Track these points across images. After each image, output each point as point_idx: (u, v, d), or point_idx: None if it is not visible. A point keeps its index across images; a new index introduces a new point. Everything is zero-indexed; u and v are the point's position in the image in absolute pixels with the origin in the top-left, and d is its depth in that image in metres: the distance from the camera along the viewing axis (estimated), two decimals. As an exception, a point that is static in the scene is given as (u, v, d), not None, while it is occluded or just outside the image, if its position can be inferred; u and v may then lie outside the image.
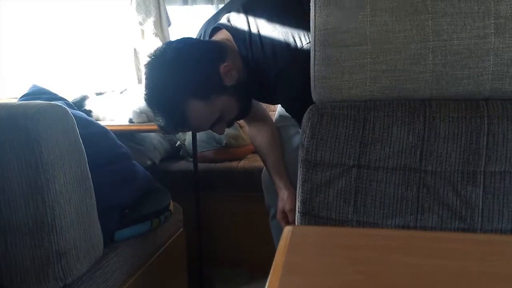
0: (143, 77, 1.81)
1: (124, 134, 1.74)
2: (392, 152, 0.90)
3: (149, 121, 1.80)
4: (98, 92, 1.95)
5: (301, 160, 0.94)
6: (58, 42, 2.39)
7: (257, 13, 1.22)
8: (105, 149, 1.25)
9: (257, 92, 1.27)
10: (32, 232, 0.95)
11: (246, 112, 1.27)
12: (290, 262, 0.41)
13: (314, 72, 0.92)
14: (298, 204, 0.96)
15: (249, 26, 1.20)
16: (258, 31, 1.19)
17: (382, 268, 0.42)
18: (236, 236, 2.20)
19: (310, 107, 0.95)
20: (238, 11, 1.24)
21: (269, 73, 1.17)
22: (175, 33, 2.49)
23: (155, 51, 1.17)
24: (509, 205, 0.90)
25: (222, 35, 1.25)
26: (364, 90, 0.92)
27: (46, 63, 2.38)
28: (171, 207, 1.46)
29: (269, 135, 1.44)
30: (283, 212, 1.35)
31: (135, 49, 2.43)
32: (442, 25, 0.87)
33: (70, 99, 1.70)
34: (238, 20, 1.22)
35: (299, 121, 1.08)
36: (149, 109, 1.19)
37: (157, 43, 2.37)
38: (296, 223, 0.97)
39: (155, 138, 2.20)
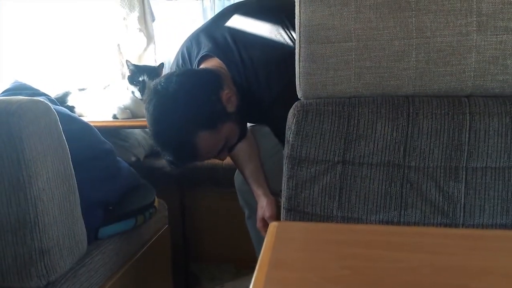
0: (127, 72, 1.80)
1: (108, 130, 1.72)
2: (376, 148, 0.91)
3: (133, 117, 1.79)
4: (81, 87, 1.92)
5: (286, 156, 0.94)
6: (40, 37, 2.35)
7: (246, 40, 1.24)
8: (88, 145, 1.23)
9: (252, 115, 1.29)
10: (14, 230, 0.93)
11: (244, 135, 1.29)
12: (276, 258, 0.41)
13: (299, 68, 0.93)
14: (283, 200, 0.96)
15: (239, 53, 1.22)
16: (250, 58, 1.21)
17: (368, 263, 0.42)
18: (221, 232, 2.20)
19: (295, 103, 0.95)
20: (224, 37, 1.25)
21: (264, 100, 1.20)
22: (159, 29, 2.47)
23: (155, 87, 1.16)
24: (491, 200, 0.91)
25: (213, 63, 1.26)
26: (349, 87, 0.93)
27: (27, 59, 2.34)
28: (156, 204, 1.46)
29: (246, 143, 1.44)
30: (263, 220, 1.36)
31: (118, 45, 2.40)
32: (425, 22, 0.88)
33: (53, 94, 1.68)
34: (227, 47, 1.24)
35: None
36: (156, 145, 1.19)
37: (141, 38, 2.35)
38: (282, 220, 0.97)
39: (139, 134, 2.18)
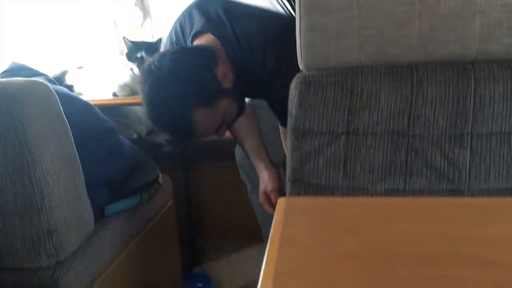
0: (125, 49, 1.78)
1: (108, 108, 1.71)
2: (380, 118, 0.91)
3: (133, 94, 1.77)
4: (79, 66, 1.90)
5: (290, 128, 0.94)
6: (35, 16, 2.31)
7: (239, 13, 1.23)
8: (90, 125, 1.22)
9: (249, 91, 1.28)
10: (22, 213, 0.94)
11: (242, 110, 1.28)
12: (287, 234, 0.41)
13: (300, 39, 0.91)
14: (288, 172, 0.96)
15: (233, 28, 1.20)
16: (244, 32, 1.19)
17: (377, 237, 0.42)
18: (225, 205, 2.22)
19: (297, 75, 0.94)
20: (216, 13, 1.23)
21: (260, 74, 1.18)
22: (155, 3, 2.42)
23: (148, 67, 1.15)
24: (496, 165, 0.91)
25: (207, 39, 1.23)
26: (352, 56, 0.91)
27: (23, 38, 2.30)
28: (160, 180, 1.46)
29: (246, 118, 1.43)
30: (265, 193, 1.36)
31: (115, 21, 2.36)
32: (428, -13, 0.86)
33: (50, 74, 1.66)
34: (220, 22, 1.22)
35: (283, 119, 1.09)
36: (154, 126, 1.19)
37: (137, 13, 2.31)
38: (287, 192, 0.97)
39: (139, 111, 2.16)
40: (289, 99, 0.94)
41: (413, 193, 0.93)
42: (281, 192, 1.40)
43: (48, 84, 1.01)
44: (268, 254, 0.39)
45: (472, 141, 0.91)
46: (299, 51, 0.92)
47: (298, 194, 0.94)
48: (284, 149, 1.39)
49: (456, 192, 0.92)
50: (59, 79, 1.79)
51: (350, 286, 0.35)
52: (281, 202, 0.48)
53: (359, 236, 0.42)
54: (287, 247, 0.40)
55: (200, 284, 1.84)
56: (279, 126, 1.37)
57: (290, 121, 0.94)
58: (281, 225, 0.43)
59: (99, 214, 1.18)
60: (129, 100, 1.75)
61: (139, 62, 1.70)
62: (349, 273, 0.37)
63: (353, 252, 0.40)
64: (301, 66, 0.94)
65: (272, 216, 1.41)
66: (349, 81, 0.91)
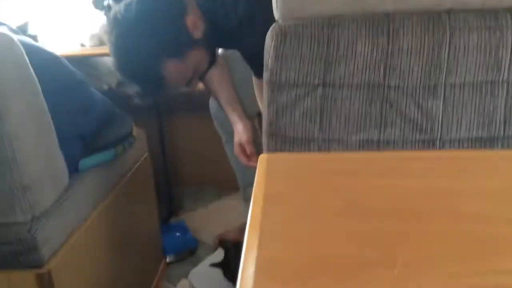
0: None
1: (75, 60, 1.65)
2: (357, 69, 0.90)
3: (101, 44, 1.71)
4: (43, 14, 1.81)
5: (266, 81, 0.93)
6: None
7: None
8: (59, 77, 1.18)
9: (222, 41, 1.24)
10: (-7, 169, 0.92)
11: (214, 61, 1.24)
12: (270, 191, 0.42)
13: (276, -13, 0.88)
14: (264, 125, 0.96)
15: None
16: None
17: (360, 192, 0.43)
18: (201, 156, 2.23)
19: (273, 25, 0.92)
20: None
21: (231, 23, 1.14)
22: None
23: (114, 16, 1.09)
24: (467, 115, 0.93)
25: None
26: (327, 6, 0.90)
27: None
28: (134, 133, 1.44)
29: (219, 69, 1.40)
30: (240, 145, 1.36)
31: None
32: None
33: (13, 24, 1.57)
34: None
35: (257, 70, 1.07)
36: (122, 77, 1.14)
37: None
38: (263, 145, 0.98)
39: (110, 61, 2.10)
40: (265, 51, 0.93)
41: (387, 143, 0.94)
42: (256, 143, 1.41)
43: (11, 34, 0.96)
44: (252, 212, 0.39)
45: (446, 92, 0.92)
46: (275, 1, 0.90)
47: (275, 147, 0.95)
48: (258, 100, 1.38)
49: (428, 142, 0.95)
50: (23, 29, 1.71)
51: (335, 243, 0.36)
52: (262, 158, 0.48)
53: (342, 192, 0.43)
54: (271, 204, 0.40)
55: (178, 234, 1.87)
56: (253, 77, 1.35)
57: (266, 74, 0.93)
58: (264, 182, 0.43)
59: (73, 169, 1.16)
60: (99, 50, 1.69)
61: (107, 10, 1.63)
62: (334, 230, 0.38)
63: (337, 208, 0.41)
64: (276, 15, 0.92)
65: (247, 166, 1.43)
66: (326, 32, 0.89)
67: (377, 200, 0.42)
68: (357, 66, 0.90)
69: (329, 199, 0.42)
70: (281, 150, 0.95)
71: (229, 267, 1.54)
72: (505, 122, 0.94)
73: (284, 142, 0.95)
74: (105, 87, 2.05)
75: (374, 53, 0.89)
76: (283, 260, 0.33)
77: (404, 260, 0.33)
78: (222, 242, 1.57)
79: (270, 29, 0.91)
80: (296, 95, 0.92)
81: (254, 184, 0.44)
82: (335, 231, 0.38)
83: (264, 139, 0.96)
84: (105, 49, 1.67)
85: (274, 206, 0.40)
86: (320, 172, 0.48)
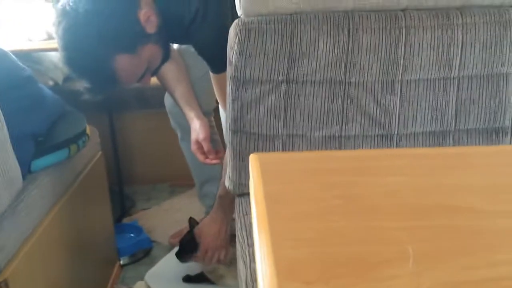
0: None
1: (19, 54, 1.57)
2: (319, 66, 0.92)
3: (49, 38, 1.63)
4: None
5: (230, 78, 0.93)
6: None
7: None
8: (7, 74, 1.12)
9: (175, 36, 1.22)
10: None
11: (167, 57, 1.21)
12: (270, 191, 0.42)
13: (240, -16, 0.88)
14: (228, 122, 0.96)
15: None
16: None
17: (357, 190, 0.44)
18: (154, 153, 2.19)
19: (236, 21, 0.92)
20: None
21: (184, 18, 1.12)
22: None
23: (63, 8, 1.03)
24: (422, 110, 0.98)
25: None
26: (289, 2, 0.91)
27: None
28: (88, 131, 1.39)
29: (174, 65, 1.38)
30: (197, 142, 1.35)
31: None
32: None
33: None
34: None
35: (213, 65, 1.05)
36: (71, 73, 1.09)
37: None
38: (228, 141, 0.98)
39: (54, 55, 2.01)
40: (228, 47, 0.93)
41: (348, 139, 0.97)
42: (212, 140, 1.40)
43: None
44: (257, 212, 0.39)
45: (402, 88, 0.96)
46: (238, -4, 0.90)
47: (240, 143, 0.95)
48: (217, 96, 1.38)
49: (386, 137, 0.98)
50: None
51: (346, 241, 0.37)
52: (254, 158, 0.48)
53: (339, 191, 0.44)
54: (274, 204, 0.41)
55: (132, 235, 1.83)
56: (210, 72, 1.34)
57: (229, 70, 0.93)
58: (261, 182, 0.43)
59: (26, 170, 1.10)
60: (47, 45, 1.61)
61: (54, 1, 1.56)
62: (340, 228, 0.39)
63: (337, 207, 0.41)
64: (239, 11, 0.92)
65: (204, 164, 1.41)
66: (289, 28, 0.90)
67: (375, 197, 0.44)
68: (319, 63, 0.92)
69: (329, 199, 0.43)
70: (245, 147, 0.96)
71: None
72: (456, 116, 0.99)
73: (248, 138, 0.95)
74: (51, 83, 1.96)
75: (336, 50, 0.92)
76: (301, 260, 0.34)
77: (415, 255, 0.35)
78: (191, 222, 1.51)
79: (233, 24, 0.91)
80: (260, 92, 0.92)
81: (251, 185, 0.44)
82: (342, 229, 0.39)
83: (228, 136, 0.96)
84: (55, 43, 1.61)
85: (278, 206, 0.41)
86: (314, 172, 0.48)
